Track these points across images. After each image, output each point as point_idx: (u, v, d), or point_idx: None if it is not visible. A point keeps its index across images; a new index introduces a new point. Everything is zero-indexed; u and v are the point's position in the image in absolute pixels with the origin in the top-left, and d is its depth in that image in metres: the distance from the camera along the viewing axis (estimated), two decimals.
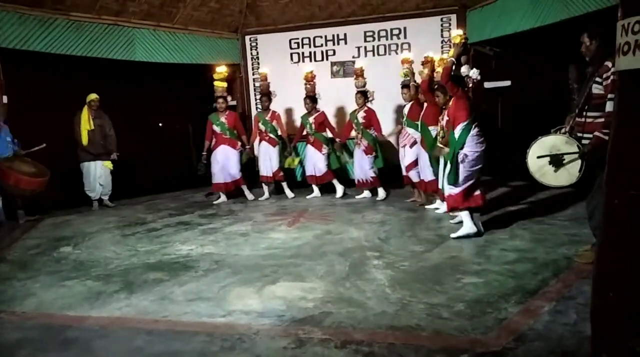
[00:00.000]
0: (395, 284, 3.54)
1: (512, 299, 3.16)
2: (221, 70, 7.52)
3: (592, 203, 3.66)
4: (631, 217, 2.02)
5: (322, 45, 8.95)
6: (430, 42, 8.36)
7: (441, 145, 5.13)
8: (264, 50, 9.21)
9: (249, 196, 7.60)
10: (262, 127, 7.51)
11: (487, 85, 8.25)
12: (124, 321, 3.17)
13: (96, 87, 7.33)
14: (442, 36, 8.37)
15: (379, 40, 8.72)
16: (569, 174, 3.65)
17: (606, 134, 3.35)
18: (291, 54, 9.07)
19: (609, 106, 3.35)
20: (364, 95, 6.99)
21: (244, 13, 8.91)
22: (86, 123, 7.17)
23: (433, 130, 5.69)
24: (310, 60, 8.99)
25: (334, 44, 8.90)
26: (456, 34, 4.98)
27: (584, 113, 3.67)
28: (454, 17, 8.28)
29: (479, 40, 8.06)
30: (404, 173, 6.62)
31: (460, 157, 4.57)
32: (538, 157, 3.74)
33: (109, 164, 7.37)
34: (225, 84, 7.56)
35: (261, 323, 3.01)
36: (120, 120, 7.69)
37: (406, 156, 6.49)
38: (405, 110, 6.47)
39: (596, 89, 3.55)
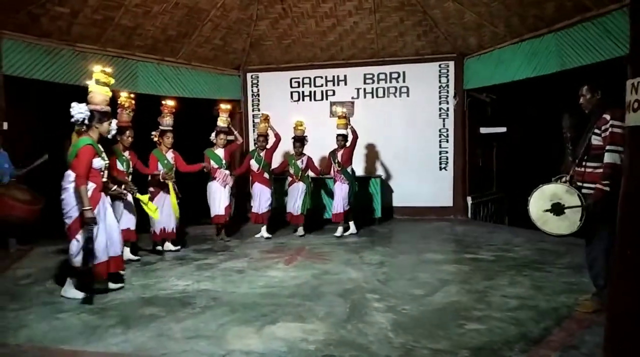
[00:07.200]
0: (398, 328, 3.50)
1: (516, 347, 3.13)
2: None
3: (592, 254, 3.71)
4: None
5: (322, 85, 9.19)
6: (428, 87, 8.62)
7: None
8: (265, 88, 9.42)
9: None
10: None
11: (483, 131, 8.44)
12: None
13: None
14: (439, 82, 8.60)
15: (378, 83, 8.95)
16: (570, 222, 3.69)
17: (606, 185, 3.44)
18: (291, 93, 9.27)
19: (608, 157, 3.46)
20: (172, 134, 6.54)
21: (247, 51, 9.10)
22: None
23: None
24: (310, 100, 9.21)
25: (334, 85, 9.14)
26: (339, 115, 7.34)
27: (584, 163, 3.76)
28: (451, 64, 8.54)
29: (475, 86, 8.30)
30: (219, 212, 6.94)
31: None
32: (544, 211, 3.79)
33: None
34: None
35: None
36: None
37: (224, 198, 6.93)
38: (221, 153, 7.01)
39: (595, 140, 3.65)
